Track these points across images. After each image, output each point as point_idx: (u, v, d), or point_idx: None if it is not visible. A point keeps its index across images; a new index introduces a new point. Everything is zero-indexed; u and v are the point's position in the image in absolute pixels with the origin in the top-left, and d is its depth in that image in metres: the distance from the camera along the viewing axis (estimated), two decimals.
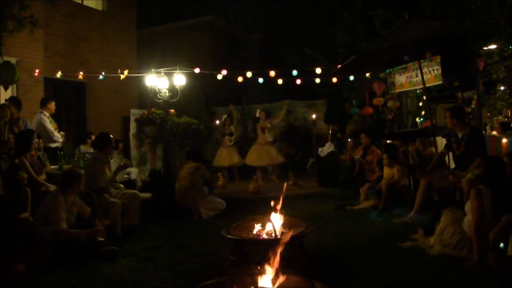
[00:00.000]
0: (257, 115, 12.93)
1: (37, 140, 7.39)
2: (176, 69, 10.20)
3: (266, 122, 12.42)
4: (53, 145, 8.88)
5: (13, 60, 9.83)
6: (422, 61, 8.81)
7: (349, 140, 12.41)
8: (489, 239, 4.60)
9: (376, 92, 12.81)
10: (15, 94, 10.47)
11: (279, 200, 4.87)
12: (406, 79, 10.55)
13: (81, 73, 11.92)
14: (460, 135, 6.63)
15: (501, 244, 4.59)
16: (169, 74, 10.23)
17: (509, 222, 4.53)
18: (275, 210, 4.89)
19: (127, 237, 6.60)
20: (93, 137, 10.33)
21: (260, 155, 12.48)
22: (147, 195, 8.10)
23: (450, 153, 7.11)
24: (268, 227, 4.93)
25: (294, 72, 10.72)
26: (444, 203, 6.43)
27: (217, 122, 14.78)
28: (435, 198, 7.30)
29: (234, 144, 13.40)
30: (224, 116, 13.47)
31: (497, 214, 4.67)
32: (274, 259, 3.17)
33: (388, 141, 9.80)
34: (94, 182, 6.74)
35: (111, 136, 7.39)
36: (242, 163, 13.15)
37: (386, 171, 8.41)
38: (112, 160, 8.74)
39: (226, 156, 13.09)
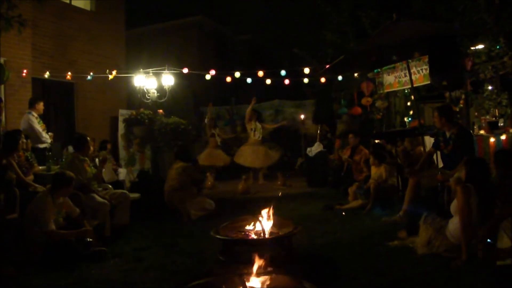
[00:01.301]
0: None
1: (24, 140, 7.35)
2: (164, 69, 10.15)
3: (257, 123, 12.01)
4: (41, 145, 8.82)
5: (0, 60, 9.76)
6: (410, 61, 8.85)
7: (337, 140, 12.44)
8: (477, 237, 4.64)
9: (365, 92, 12.85)
10: (2, 95, 10.38)
11: (268, 200, 4.88)
12: (394, 79, 10.59)
13: (69, 73, 11.82)
14: (448, 134, 6.66)
15: (488, 240, 4.62)
16: (157, 74, 10.18)
17: (498, 220, 4.57)
18: (264, 210, 4.90)
19: (116, 237, 6.59)
20: None
21: (256, 156, 12.01)
22: (136, 195, 8.08)
23: (438, 152, 7.15)
24: (257, 227, 4.94)
25: (283, 72, 10.69)
26: (431, 202, 6.46)
27: (206, 121, 14.64)
28: (423, 196, 7.34)
29: (219, 145, 13.00)
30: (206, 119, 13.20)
31: (484, 214, 4.71)
32: (262, 259, 3.18)
33: (376, 141, 9.85)
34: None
35: (88, 138, 7.46)
36: (222, 165, 12.81)
37: (374, 170, 8.44)
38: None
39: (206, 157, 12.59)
